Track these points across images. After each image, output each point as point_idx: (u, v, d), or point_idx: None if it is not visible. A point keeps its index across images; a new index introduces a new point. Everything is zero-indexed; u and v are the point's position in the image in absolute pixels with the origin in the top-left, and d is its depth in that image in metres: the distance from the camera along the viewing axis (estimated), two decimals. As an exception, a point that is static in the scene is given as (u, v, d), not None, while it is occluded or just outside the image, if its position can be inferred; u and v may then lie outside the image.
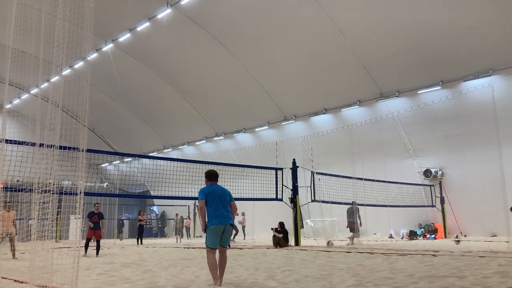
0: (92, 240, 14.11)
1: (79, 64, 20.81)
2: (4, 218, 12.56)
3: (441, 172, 20.59)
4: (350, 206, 17.18)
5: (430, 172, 20.55)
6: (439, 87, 18.40)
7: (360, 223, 17.00)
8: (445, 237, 19.94)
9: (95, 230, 13.55)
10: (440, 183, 20.68)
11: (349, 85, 20.79)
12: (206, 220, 6.36)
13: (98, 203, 14.18)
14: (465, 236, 19.42)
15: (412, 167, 21.38)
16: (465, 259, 8.80)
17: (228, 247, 6.43)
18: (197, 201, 7.08)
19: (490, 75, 16.91)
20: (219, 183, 6.83)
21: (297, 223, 16.03)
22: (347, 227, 17.23)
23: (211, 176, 6.75)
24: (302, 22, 18.88)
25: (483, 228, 18.72)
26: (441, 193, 20.61)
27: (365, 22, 17.90)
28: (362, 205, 17.73)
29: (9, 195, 11.55)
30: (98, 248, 13.33)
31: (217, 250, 6.35)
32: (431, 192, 20.75)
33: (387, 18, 17.43)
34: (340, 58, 19.73)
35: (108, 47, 23.19)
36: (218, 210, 6.33)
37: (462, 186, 19.78)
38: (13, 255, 12.44)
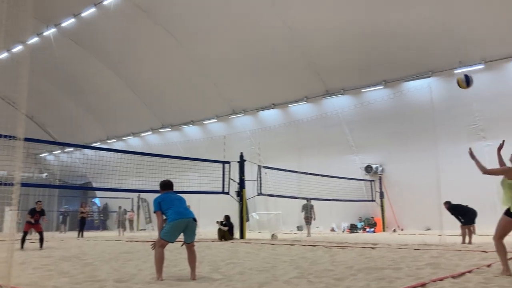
0: (29, 233, 13.50)
1: (17, 48, 19.73)
2: None
3: (381, 168, 21.39)
4: (306, 202, 18.49)
5: (371, 168, 21.31)
6: (381, 87, 19.09)
7: (314, 218, 18.67)
8: (384, 230, 20.82)
9: (34, 224, 13.01)
10: (380, 179, 21.47)
11: (297, 82, 21.10)
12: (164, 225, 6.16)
13: (40, 201, 13.54)
14: (402, 229, 20.37)
15: (354, 163, 22.05)
16: (401, 252, 9.23)
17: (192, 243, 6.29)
18: (141, 194, 6.91)
19: (429, 77, 17.73)
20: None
21: (243, 216, 16.14)
22: (308, 223, 18.44)
23: (165, 186, 6.54)
24: (252, 18, 18.91)
25: (418, 222, 19.69)
26: (380, 188, 21.41)
27: (313, 21, 18.19)
28: (309, 198, 18.31)
29: None
30: (41, 240, 12.80)
31: (185, 248, 6.22)
32: (371, 187, 21.50)
33: (334, 19, 17.82)
34: (288, 55, 19.96)
35: (50, 32, 22.11)
36: (178, 208, 6.19)
37: (401, 182, 20.62)
38: None
